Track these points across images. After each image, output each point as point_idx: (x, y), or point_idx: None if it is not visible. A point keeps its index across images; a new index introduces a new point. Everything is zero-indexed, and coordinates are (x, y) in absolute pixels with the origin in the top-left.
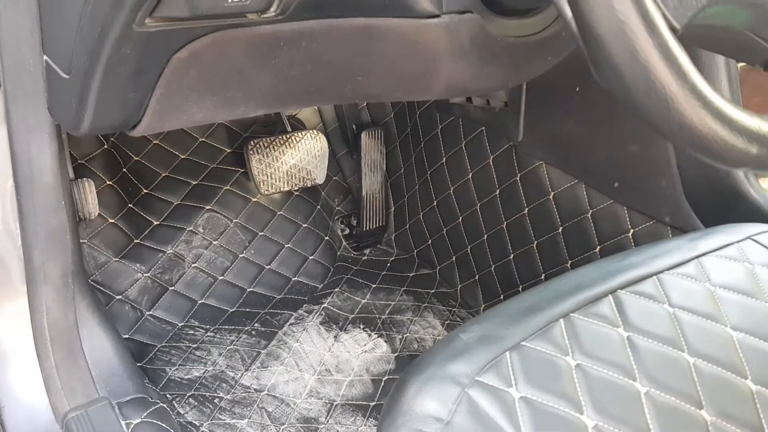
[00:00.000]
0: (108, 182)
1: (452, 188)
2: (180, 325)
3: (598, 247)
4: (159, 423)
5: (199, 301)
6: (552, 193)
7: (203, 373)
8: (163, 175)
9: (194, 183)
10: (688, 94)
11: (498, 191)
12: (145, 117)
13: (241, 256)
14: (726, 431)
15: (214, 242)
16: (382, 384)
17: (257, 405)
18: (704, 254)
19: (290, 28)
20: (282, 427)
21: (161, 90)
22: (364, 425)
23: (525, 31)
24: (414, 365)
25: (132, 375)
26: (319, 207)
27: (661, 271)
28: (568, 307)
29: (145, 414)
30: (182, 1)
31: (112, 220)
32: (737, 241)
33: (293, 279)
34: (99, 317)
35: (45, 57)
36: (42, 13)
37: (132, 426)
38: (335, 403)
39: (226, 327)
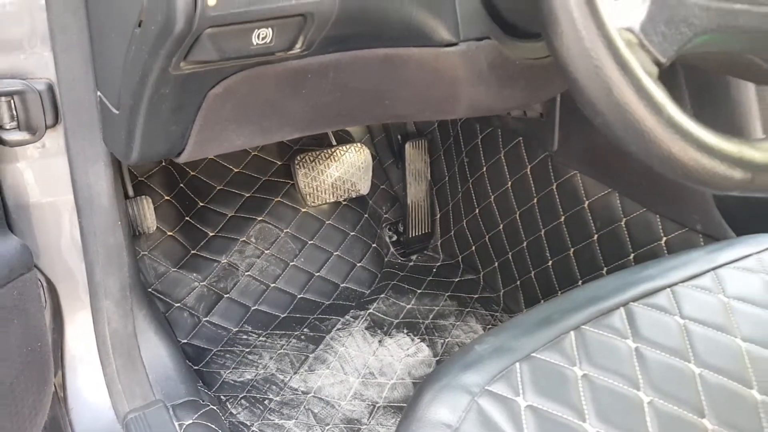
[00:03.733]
0: (166, 197)
1: (492, 196)
2: (234, 330)
3: (632, 255)
4: (209, 424)
5: (253, 308)
6: (587, 202)
7: (255, 376)
8: (218, 188)
9: (247, 195)
10: (665, 126)
11: (536, 199)
12: (187, 146)
13: (291, 264)
14: None
15: (266, 251)
16: None
17: (304, 406)
18: (721, 266)
19: (317, 61)
20: (327, 428)
21: (200, 122)
22: None
23: (542, 53)
24: (432, 374)
25: (185, 379)
26: (366, 215)
27: (676, 284)
28: (580, 319)
29: (197, 416)
30: (211, 46)
31: (171, 233)
32: (757, 252)
33: (341, 285)
34: (156, 326)
35: (99, 93)
36: (94, 54)
37: (184, 427)
38: (377, 405)
39: (277, 332)
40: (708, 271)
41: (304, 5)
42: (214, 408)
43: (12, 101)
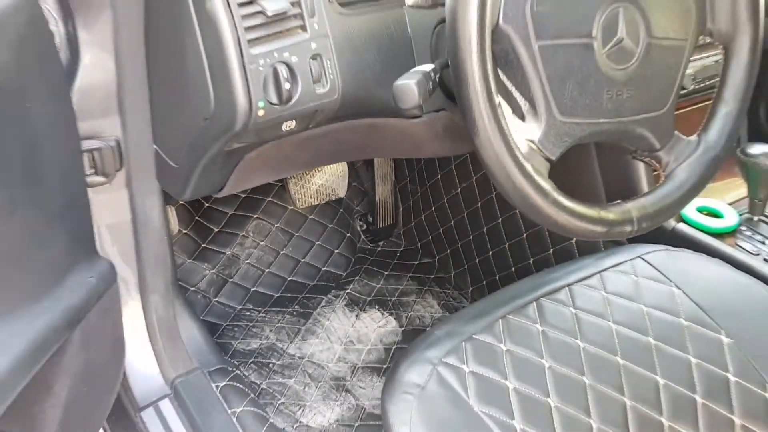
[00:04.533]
0: (180, 202)
1: (446, 197)
2: (238, 308)
3: (551, 250)
4: (236, 384)
5: (252, 289)
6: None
7: (259, 345)
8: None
9: (243, 196)
10: (550, 204)
11: (479, 203)
12: (226, 186)
13: (282, 252)
14: (598, 390)
15: (261, 243)
16: (392, 351)
17: (300, 368)
18: (605, 270)
19: (322, 130)
20: (319, 384)
21: (237, 173)
22: (379, 382)
23: None
24: (404, 352)
25: (214, 351)
26: (341, 210)
27: (572, 284)
28: (505, 311)
29: (227, 379)
30: (255, 135)
31: (185, 231)
32: (630, 260)
33: (323, 269)
34: (189, 311)
35: (155, 147)
36: (153, 121)
37: (219, 387)
38: (357, 366)
39: (274, 309)
40: (595, 273)
41: (317, 105)
42: (238, 372)
43: (92, 155)
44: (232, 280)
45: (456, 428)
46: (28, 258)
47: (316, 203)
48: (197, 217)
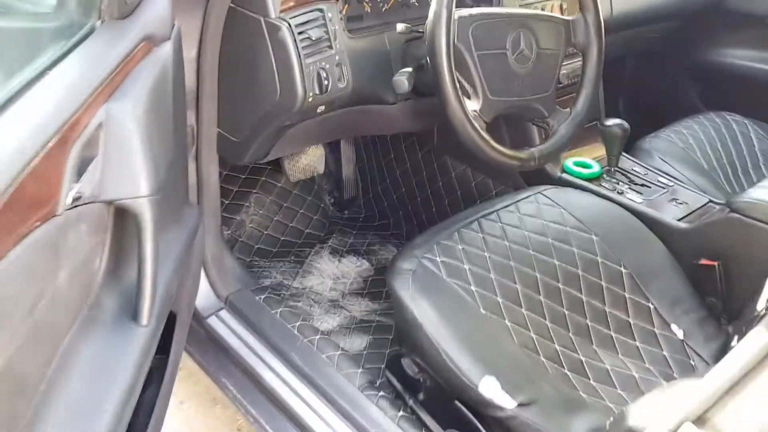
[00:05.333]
0: None
1: (398, 172)
2: (248, 260)
3: (478, 201)
4: (270, 297)
5: (256, 246)
6: (453, 173)
7: (271, 283)
8: (224, 173)
9: (243, 177)
10: (488, 147)
11: (424, 173)
12: (270, 154)
13: (275, 219)
14: (519, 269)
15: (260, 211)
16: (369, 282)
17: (305, 295)
18: (519, 201)
19: (334, 114)
20: (320, 305)
21: (279, 144)
22: (363, 301)
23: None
24: (397, 254)
25: (249, 277)
26: (316, 186)
27: (499, 209)
28: (459, 226)
29: (263, 296)
30: (302, 114)
31: None
32: (533, 194)
33: (305, 231)
34: (228, 249)
35: (219, 129)
36: (220, 111)
37: (262, 299)
38: (345, 292)
39: (275, 259)
40: (513, 203)
41: (339, 95)
42: (270, 295)
43: None
44: (241, 239)
45: (434, 291)
46: (177, 192)
47: (303, 177)
48: None
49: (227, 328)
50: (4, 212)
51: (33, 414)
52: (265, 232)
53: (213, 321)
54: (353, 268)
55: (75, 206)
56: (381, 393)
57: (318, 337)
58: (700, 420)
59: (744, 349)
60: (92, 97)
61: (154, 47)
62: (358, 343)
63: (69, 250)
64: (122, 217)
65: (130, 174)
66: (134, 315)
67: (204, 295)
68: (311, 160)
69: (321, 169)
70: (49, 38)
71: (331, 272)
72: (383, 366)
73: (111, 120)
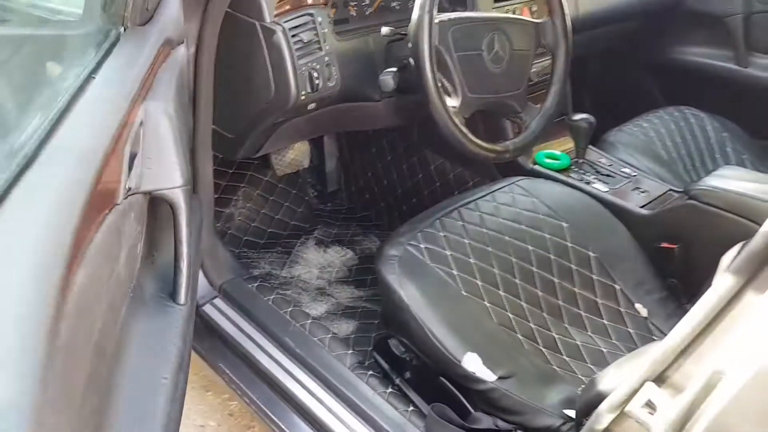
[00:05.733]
0: None
1: (379, 166)
2: (237, 251)
3: (456, 192)
4: (262, 286)
5: (244, 238)
6: (432, 166)
7: (260, 272)
8: (213, 168)
9: (231, 172)
10: (466, 140)
11: (405, 165)
12: (262, 149)
13: (262, 211)
14: (496, 254)
15: (247, 205)
16: (353, 270)
17: (293, 284)
18: (494, 191)
19: (323, 111)
20: (308, 293)
21: (270, 140)
22: (348, 289)
23: (414, 101)
24: (385, 241)
25: (241, 266)
26: (300, 180)
27: (476, 199)
28: (440, 215)
29: (255, 285)
30: (294, 111)
31: None
32: (508, 185)
33: (291, 223)
34: (220, 240)
35: (214, 126)
36: (216, 110)
37: (254, 287)
38: (331, 281)
39: (264, 250)
40: (489, 193)
41: (328, 93)
42: (261, 283)
43: None
44: (230, 231)
45: (419, 275)
46: None
47: (290, 171)
48: None
49: (222, 315)
50: (93, 203)
51: (108, 375)
52: (253, 224)
53: (208, 309)
54: (338, 257)
55: (127, 196)
56: (370, 372)
57: (309, 321)
58: (659, 379)
59: (695, 314)
60: (135, 97)
61: (171, 50)
62: (345, 327)
63: (126, 235)
64: (154, 207)
65: (167, 166)
66: (172, 295)
67: (199, 284)
68: (297, 154)
69: (306, 163)
70: (80, 44)
71: (317, 262)
72: (371, 348)
73: (149, 118)
